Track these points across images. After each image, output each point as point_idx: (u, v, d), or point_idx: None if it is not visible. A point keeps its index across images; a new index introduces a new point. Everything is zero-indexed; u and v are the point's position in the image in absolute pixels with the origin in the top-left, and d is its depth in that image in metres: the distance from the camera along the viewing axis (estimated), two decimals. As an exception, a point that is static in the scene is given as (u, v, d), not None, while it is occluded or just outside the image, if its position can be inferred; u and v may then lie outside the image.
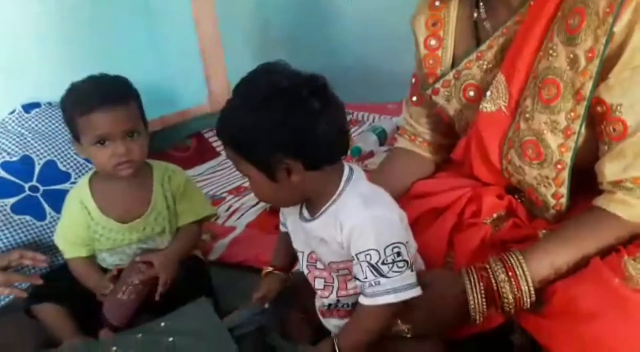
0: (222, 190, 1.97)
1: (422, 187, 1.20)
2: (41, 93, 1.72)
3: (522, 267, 0.90)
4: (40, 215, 1.51)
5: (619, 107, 0.88)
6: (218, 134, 0.92)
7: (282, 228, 1.08)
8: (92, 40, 1.87)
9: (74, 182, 1.55)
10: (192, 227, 1.32)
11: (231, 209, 1.80)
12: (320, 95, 0.85)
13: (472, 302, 0.91)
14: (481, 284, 0.91)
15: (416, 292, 0.88)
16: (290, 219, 1.01)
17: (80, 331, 1.19)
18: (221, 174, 2.11)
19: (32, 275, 1.25)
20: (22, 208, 1.50)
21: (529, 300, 0.90)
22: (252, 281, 1.13)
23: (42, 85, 1.70)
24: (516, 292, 0.90)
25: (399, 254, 0.86)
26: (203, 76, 2.28)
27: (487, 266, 0.92)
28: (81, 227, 1.26)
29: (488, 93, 1.04)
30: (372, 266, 0.86)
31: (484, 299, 0.91)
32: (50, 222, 1.50)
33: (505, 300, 0.90)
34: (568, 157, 0.95)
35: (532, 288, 0.89)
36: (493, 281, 0.91)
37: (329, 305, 0.99)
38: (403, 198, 1.17)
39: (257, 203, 1.79)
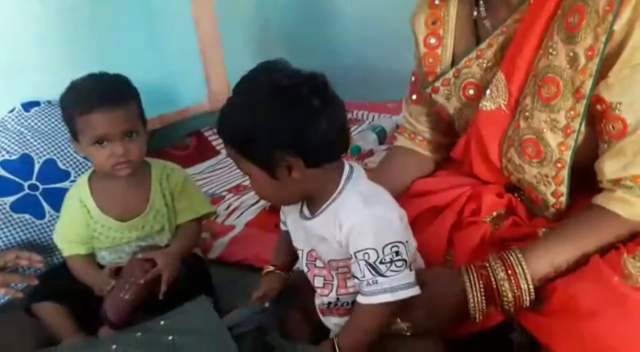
0: (222, 189, 1.97)
1: (421, 185, 1.20)
2: (41, 92, 1.72)
3: (521, 265, 0.90)
4: (39, 214, 1.51)
5: (618, 106, 0.88)
6: (219, 133, 0.92)
7: (282, 227, 1.08)
8: (92, 39, 1.87)
9: (73, 181, 1.55)
10: (192, 225, 1.32)
11: (231, 208, 1.80)
12: (321, 93, 0.85)
13: (471, 300, 0.91)
14: (481, 282, 0.91)
15: (414, 291, 0.88)
16: (291, 218, 1.01)
17: (80, 330, 1.19)
18: (221, 172, 2.11)
19: (28, 275, 1.25)
20: (22, 207, 1.50)
21: (528, 298, 0.90)
22: (251, 280, 1.13)
23: (42, 84, 1.70)
24: (516, 291, 0.90)
25: (397, 253, 0.86)
26: (203, 75, 2.28)
27: (487, 265, 0.92)
28: (80, 225, 1.26)
29: (488, 92, 1.04)
30: (370, 264, 0.86)
31: (483, 298, 0.91)
32: (50, 221, 1.50)
33: (505, 298, 0.90)
34: (568, 156, 0.95)
35: (531, 286, 0.89)
36: (492, 280, 0.91)
37: (329, 303, 0.99)
38: (403, 197, 1.17)
39: (257, 202, 1.79)
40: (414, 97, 1.25)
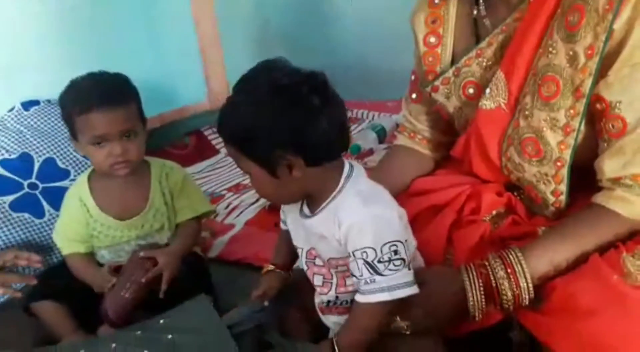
0: (221, 187, 1.97)
1: (421, 184, 1.20)
2: (41, 92, 1.72)
3: (521, 264, 0.90)
4: (39, 212, 1.51)
5: (618, 105, 0.88)
6: (219, 131, 0.92)
7: (282, 226, 1.08)
8: (92, 38, 1.87)
9: (73, 180, 1.55)
10: (192, 224, 1.32)
11: (230, 207, 1.80)
12: (321, 92, 0.85)
13: (471, 299, 0.91)
14: (480, 281, 0.91)
15: (412, 290, 0.88)
16: (291, 216, 1.01)
17: (79, 329, 1.19)
18: (220, 171, 2.11)
19: (27, 275, 1.25)
20: (21, 206, 1.50)
21: (527, 297, 0.90)
22: (251, 279, 1.13)
23: (42, 83, 1.70)
24: (515, 289, 0.90)
25: (396, 252, 0.86)
26: (202, 74, 2.28)
27: (486, 263, 0.92)
28: (80, 224, 1.26)
29: (487, 90, 1.04)
30: (368, 263, 0.86)
31: (482, 296, 0.91)
32: (49, 220, 1.49)
33: (504, 297, 0.90)
34: (567, 155, 0.95)
35: (531, 285, 0.89)
36: (492, 278, 0.91)
37: (328, 302, 0.99)
38: (402, 195, 1.17)
39: (256, 201, 1.79)
40: (414, 96, 1.25)
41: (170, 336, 1.04)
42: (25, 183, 1.54)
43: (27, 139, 1.61)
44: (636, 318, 0.78)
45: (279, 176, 0.87)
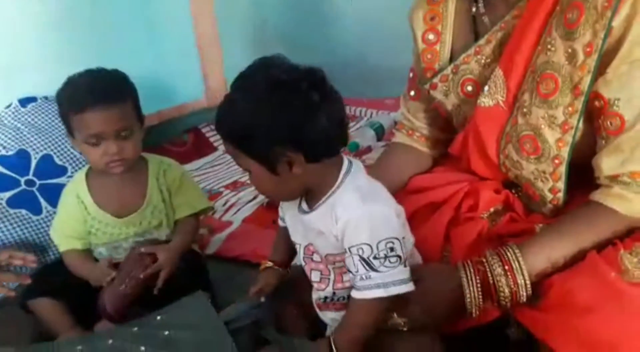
0: (219, 185, 1.97)
1: (419, 181, 1.20)
2: (39, 90, 1.71)
3: (518, 261, 0.90)
4: (36, 209, 1.50)
5: (616, 102, 0.88)
6: (217, 129, 0.92)
7: (280, 223, 1.08)
8: (91, 35, 1.86)
9: (70, 176, 1.54)
10: (191, 221, 1.32)
11: (228, 204, 1.80)
12: (320, 88, 0.85)
13: (468, 296, 0.91)
14: (477, 277, 0.91)
15: (408, 287, 0.88)
16: (289, 212, 1.01)
17: (76, 325, 1.19)
18: (218, 169, 2.11)
19: (22, 274, 1.24)
20: (18, 202, 1.49)
21: (525, 294, 0.90)
22: (248, 275, 1.13)
23: (40, 81, 1.69)
24: (512, 286, 0.90)
25: (392, 249, 0.86)
26: (200, 72, 2.28)
27: (484, 260, 0.92)
28: (77, 221, 1.26)
29: (486, 88, 1.04)
30: (364, 259, 0.86)
31: (480, 293, 0.91)
32: (46, 217, 1.49)
33: (502, 294, 0.90)
34: (565, 152, 0.95)
35: (528, 282, 0.89)
36: (489, 275, 0.91)
37: (325, 298, 0.99)
38: (400, 193, 1.17)
39: (254, 198, 1.79)
40: (412, 93, 1.25)
41: (167, 332, 1.04)
42: (23, 180, 1.53)
43: (24, 135, 1.61)
44: (633, 315, 0.78)
45: (279, 172, 0.87)
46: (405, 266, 0.89)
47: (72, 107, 1.16)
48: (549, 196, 1.00)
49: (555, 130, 0.95)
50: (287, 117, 0.83)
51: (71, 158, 1.62)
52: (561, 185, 0.98)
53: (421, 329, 0.95)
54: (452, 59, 1.12)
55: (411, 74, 1.25)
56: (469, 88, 1.10)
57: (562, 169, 0.97)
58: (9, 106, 1.68)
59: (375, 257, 0.86)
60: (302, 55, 0.89)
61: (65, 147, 1.62)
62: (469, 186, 1.12)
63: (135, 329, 1.07)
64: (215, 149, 2.24)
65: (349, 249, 0.88)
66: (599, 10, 0.86)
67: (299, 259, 1.02)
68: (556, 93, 0.93)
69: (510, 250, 0.91)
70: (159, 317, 1.09)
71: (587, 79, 0.89)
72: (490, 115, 1.04)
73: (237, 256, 1.50)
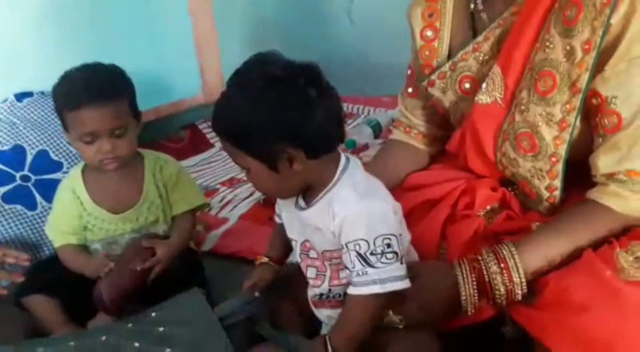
0: (216, 181, 1.97)
1: (416, 179, 1.20)
2: (35, 84, 1.71)
3: (514, 258, 0.90)
4: (31, 205, 1.50)
5: (613, 100, 0.88)
6: (213, 127, 0.91)
7: (277, 219, 1.08)
8: (88, 29, 1.86)
9: (66, 172, 1.54)
10: (188, 217, 1.32)
11: (224, 201, 1.80)
12: (316, 83, 0.85)
13: (463, 293, 0.91)
14: (473, 275, 0.91)
15: (404, 284, 0.88)
16: (285, 209, 1.01)
17: (70, 322, 1.18)
18: (215, 165, 2.11)
19: (14, 272, 1.24)
20: (13, 197, 1.48)
21: (520, 292, 0.90)
22: (244, 272, 1.12)
23: (37, 76, 1.68)
24: (508, 284, 0.90)
25: (389, 245, 0.86)
26: (198, 68, 2.28)
27: (480, 258, 0.92)
28: (73, 217, 1.25)
29: (484, 85, 1.03)
30: (361, 255, 0.86)
31: (475, 291, 0.91)
32: (42, 212, 1.48)
33: (497, 292, 0.90)
34: (563, 150, 0.95)
35: (524, 280, 0.89)
36: (485, 273, 0.91)
37: (321, 295, 0.99)
38: (397, 190, 1.16)
39: (250, 195, 1.79)
40: (410, 90, 1.24)
41: (161, 329, 1.04)
42: (18, 175, 1.53)
43: (20, 130, 1.60)
44: (629, 313, 0.78)
45: (279, 170, 0.86)
46: (401, 263, 0.88)
47: (67, 103, 1.15)
48: (546, 194, 1.00)
49: (552, 128, 0.94)
50: (285, 113, 0.82)
51: (67, 153, 1.61)
52: (558, 183, 0.98)
53: (417, 326, 0.95)
54: (450, 56, 1.12)
55: (409, 71, 1.25)
56: (467, 85, 1.10)
57: (559, 167, 0.96)
58: (4, 101, 1.67)
59: (372, 253, 0.86)
60: (301, 53, 0.89)
61: (61, 142, 1.61)
62: (466, 184, 1.12)
63: (130, 325, 1.07)
64: (211, 145, 2.23)
65: (346, 245, 0.88)
66: (597, 8, 0.85)
67: (295, 256, 1.01)
68: (554, 90, 0.93)
69: (506, 248, 0.91)
70: (153, 314, 1.08)
71: (585, 77, 0.89)
72: (488, 113, 1.03)
73: (233, 253, 1.50)
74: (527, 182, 1.02)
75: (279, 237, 1.08)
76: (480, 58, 1.07)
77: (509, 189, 1.10)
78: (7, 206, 1.46)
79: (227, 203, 1.78)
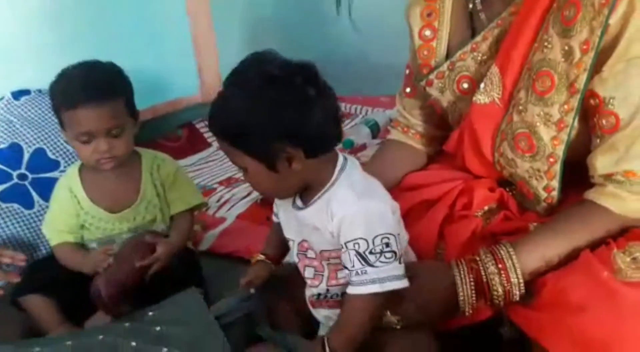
0: (213, 181, 1.97)
1: (413, 179, 1.20)
2: (33, 82, 1.70)
3: (512, 259, 0.90)
4: (28, 203, 1.49)
5: (611, 100, 0.88)
6: (210, 127, 0.91)
7: (274, 219, 1.08)
8: (86, 27, 1.85)
9: (63, 171, 1.53)
10: (187, 216, 1.32)
11: (222, 200, 1.80)
12: (314, 82, 0.84)
13: (461, 294, 0.91)
14: (471, 276, 0.91)
15: (403, 283, 0.88)
16: (283, 208, 1.01)
17: (66, 322, 1.18)
18: (212, 165, 2.10)
19: (10, 272, 1.23)
20: (10, 196, 1.48)
21: (518, 292, 0.90)
22: (241, 272, 1.12)
23: (35, 74, 1.68)
24: (505, 285, 0.90)
25: (387, 244, 0.86)
26: (195, 67, 2.27)
27: (477, 258, 0.92)
28: (70, 216, 1.25)
29: (482, 85, 1.03)
30: (360, 254, 0.86)
31: (473, 291, 0.91)
32: (39, 211, 1.48)
33: (495, 292, 0.90)
34: (560, 150, 0.95)
35: (521, 280, 0.89)
36: (483, 273, 0.91)
37: (319, 295, 0.99)
38: (395, 190, 1.16)
39: (248, 195, 1.78)
40: (408, 90, 1.24)
41: (158, 328, 1.04)
42: (15, 173, 1.52)
43: (17, 129, 1.59)
44: (626, 314, 0.78)
45: (278, 169, 0.86)
46: (400, 263, 0.88)
47: (64, 102, 1.14)
48: (543, 195, 1.00)
49: (550, 128, 0.94)
50: (284, 112, 0.82)
51: (64, 152, 1.61)
52: (555, 183, 0.98)
53: (415, 327, 0.95)
54: (448, 56, 1.12)
55: (407, 71, 1.24)
56: (465, 85, 1.09)
57: (557, 168, 0.96)
58: (1, 99, 1.67)
59: (371, 252, 0.86)
60: (299, 53, 0.89)
61: (59, 141, 1.61)
62: (464, 184, 1.11)
63: (127, 324, 1.07)
64: (209, 144, 2.23)
65: (345, 244, 0.87)
66: (596, 8, 0.85)
67: (292, 256, 1.01)
68: (552, 91, 0.92)
69: (504, 248, 0.91)
70: (150, 313, 1.09)
71: (583, 77, 0.89)
72: (486, 113, 1.03)
73: (230, 252, 1.50)
74: (525, 182, 1.02)
75: (275, 236, 1.07)
76: (479, 58, 1.07)
77: (507, 189, 1.10)
78: (4, 205, 1.46)
79: (225, 203, 1.78)
